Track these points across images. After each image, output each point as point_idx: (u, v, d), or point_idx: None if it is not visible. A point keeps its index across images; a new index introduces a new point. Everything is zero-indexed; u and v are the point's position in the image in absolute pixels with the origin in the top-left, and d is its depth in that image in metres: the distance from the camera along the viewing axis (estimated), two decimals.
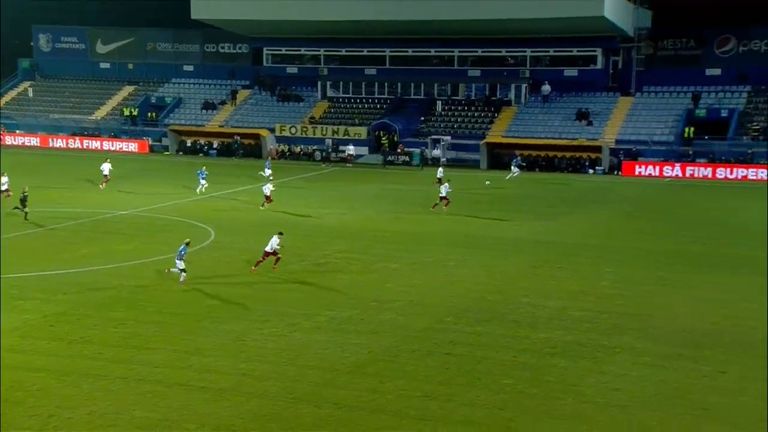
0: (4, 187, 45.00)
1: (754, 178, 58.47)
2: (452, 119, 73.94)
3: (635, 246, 37.49)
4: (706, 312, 27.00)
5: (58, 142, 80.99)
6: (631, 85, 71.30)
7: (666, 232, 40.72)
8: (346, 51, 78.52)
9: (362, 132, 73.05)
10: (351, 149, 71.36)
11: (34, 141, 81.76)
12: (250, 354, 22.47)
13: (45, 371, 20.88)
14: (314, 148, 73.10)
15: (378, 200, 50.81)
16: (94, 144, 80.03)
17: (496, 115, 72.83)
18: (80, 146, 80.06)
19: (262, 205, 45.44)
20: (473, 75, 76.28)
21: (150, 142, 78.81)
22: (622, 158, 64.18)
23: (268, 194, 45.77)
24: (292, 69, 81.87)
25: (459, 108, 75.08)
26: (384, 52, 77.23)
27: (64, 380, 20.31)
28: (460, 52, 75.41)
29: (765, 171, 58.05)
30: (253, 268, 31.30)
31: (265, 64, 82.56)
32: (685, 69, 69.77)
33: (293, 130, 75.06)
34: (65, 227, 40.03)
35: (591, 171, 64.91)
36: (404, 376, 21.12)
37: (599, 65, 71.95)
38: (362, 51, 77.70)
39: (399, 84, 77.61)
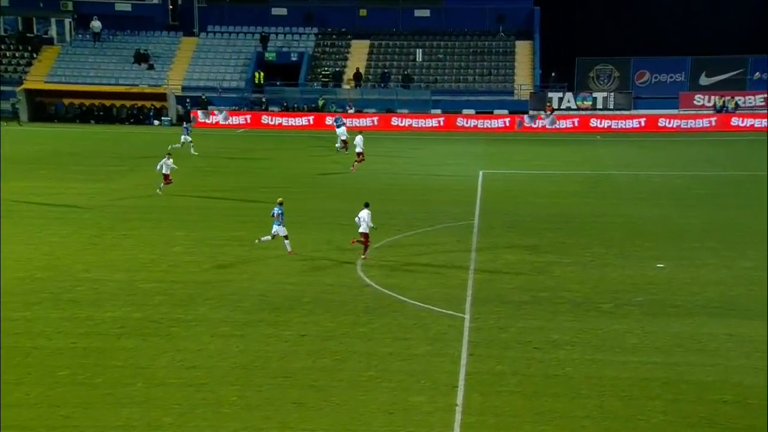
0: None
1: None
2: None
3: (209, 205, 38.45)
4: (291, 271, 28.60)
5: None
6: (194, 23, 71.82)
7: (242, 186, 42.18)
8: None
9: None
10: None
11: None
12: None
13: None
14: None
15: None
16: None
17: (34, 55, 68.99)
18: None
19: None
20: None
21: None
22: (189, 107, 64.58)
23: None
24: None
25: None
26: None
27: None
28: None
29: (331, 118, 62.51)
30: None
31: None
32: (251, 6, 71.65)
33: None
34: None
35: (156, 122, 64.70)
36: None
37: (156, 0, 71.64)
38: None
39: None
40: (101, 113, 65.37)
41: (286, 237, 29.85)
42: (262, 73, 66.56)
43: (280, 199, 30.73)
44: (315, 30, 70.46)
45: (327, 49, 69.66)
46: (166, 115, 64.70)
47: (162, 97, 65.31)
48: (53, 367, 20.92)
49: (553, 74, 66.17)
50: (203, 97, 64.95)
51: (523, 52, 67.33)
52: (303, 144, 52.22)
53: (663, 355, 21.86)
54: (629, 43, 65.68)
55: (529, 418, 18.62)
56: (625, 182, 43.39)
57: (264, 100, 65.34)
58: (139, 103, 65.44)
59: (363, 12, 70.84)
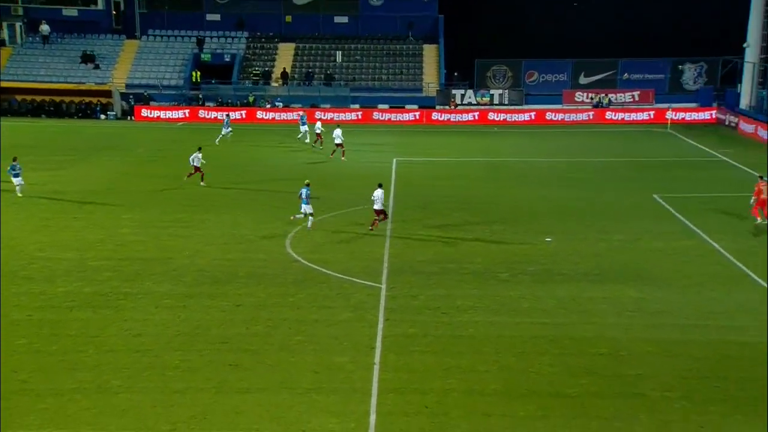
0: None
1: (263, 119, 61.93)
2: None
3: (154, 190, 37.81)
4: (228, 249, 28.38)
5: None
6: (135, 28, 70.52)
7: (184, 173, 41.51)
8: None
9: None
10: None
11: None
12: None
13: None
14: None
15: None
16: None
17: None
18: None
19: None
20: None
21: None
22: (133, 103, 63.49)
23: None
24: None
25: None
26: None
27: None
28: None
29: (273, 114, 62.01)
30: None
31: None
32: (187, 13, 70.81)
33: None
34: None
35: (103, 116, 63.24)
36: None
37: (100, 5, 70.05)
38: None
39: None
40: (51, 108, 63.60)
41: (311, 215, 30.42)
42: (198, 73, 65.83)
43: (307, 180, 30.93)
44: (246, 34, 69.86)
45: (257, 51, 69.03)
46: (112, 110, 63.44)
47: (107, 93, 64.01)
48: (11, 337, 20.54)
49: (455, 74, 66.64)
50: (145, 94, 63.98)
51: (430, 54, 67.61)
52: (237, 136, 51.59)
53: (550, 317, 22.41)
54: (521, 48, 66.43)
55: (438, 373, 18.92)
56: (518, 168, 44.07)
57: (201, 96, 64.58)
58: (87, 99, 63.91)
59: (288, 18, 70.60)
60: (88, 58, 66.37)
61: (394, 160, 44.75)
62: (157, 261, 27.07)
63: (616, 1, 70.06)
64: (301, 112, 55.35)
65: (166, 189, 38.09)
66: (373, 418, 16.92)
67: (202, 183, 38.44)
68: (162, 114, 62.37)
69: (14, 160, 36.23)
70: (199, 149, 39.25)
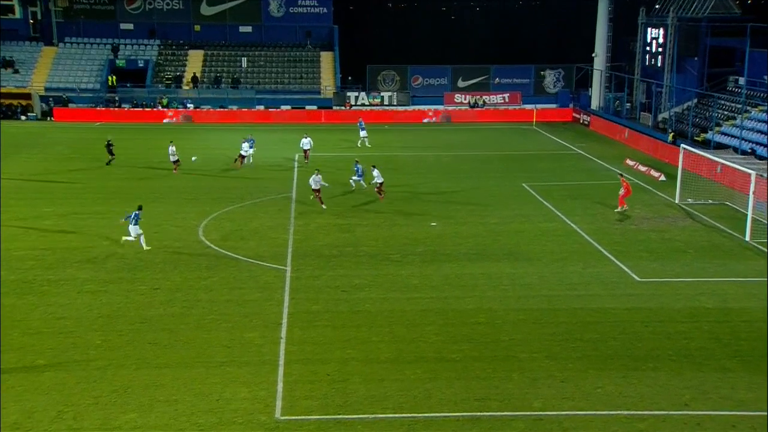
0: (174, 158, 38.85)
1: (171, 120, 60.29)
2: None
3: (77, 185, 36.39)
4: (145, 238, 27.51)
5: None
6: (53, 35, 67.63)
7: (101, 168, 40.13)
8: None
9: None
10: None
11: None
12: None
13: None
14: None
15: None
16: None
17: None
18: None
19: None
20: None
21: None
22: (53, 104, 60.88)
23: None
24: None
25: None
26: None
27: None
28: None
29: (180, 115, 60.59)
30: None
31: None
32: (103, 22, 68.36)
33: None
34: None
35: (23, 117, 60.34)
36: None
37: (18, 15, 66.85)
38: None
39: None
40: None
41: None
42: (114, 77, 63.72)
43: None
44: (158, 42, 67.92)
45: (168, 57, 67.20)
46: (32, 111, 60.71)
47: (27, 96, 61.19)
48: None
49: (350, 78, 66.58)
50: (64, 96, 61.40)
51: (327, 60, 67.22)
52: (150, 134, 50.09)
53: (437, 292, 22.75)
54: (407, 55, 67.09)
55: (339, 345, 18.96)
56: (407, 161, 44.38)
57: (117, 98, 62.53)
58: (7, 102, 60.89)
59: (197, 27, 69.07)
60: (7, 64, 63.38)
61: (296, 155, 44.31)
62: (78, 250, 26.10)
63: (488, 16, 72.00)
64: (360, 118, 53.01)
65: (84, 183, 36.70)
66: (280, 386, 16.82)
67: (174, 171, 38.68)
68: (81, 115, 59.83)
69: (140, 208, 26.92)
70: (171, 142, 39.60)
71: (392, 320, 20.50)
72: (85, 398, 16.15)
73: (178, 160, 39.23)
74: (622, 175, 34.38)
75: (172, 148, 39.22)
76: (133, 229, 26.16)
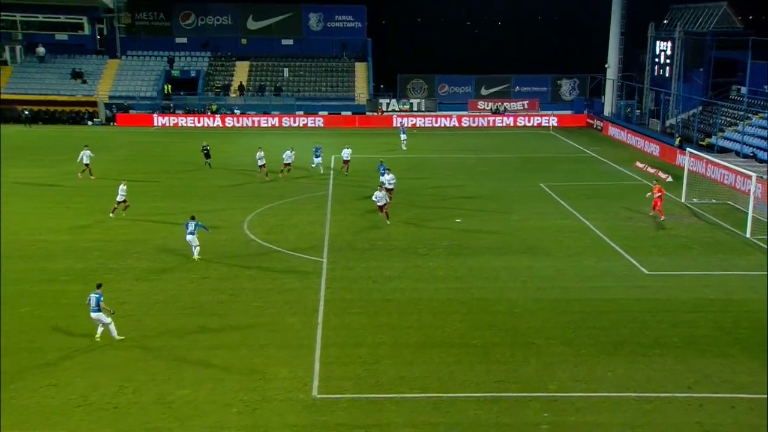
0: (261, 162, 37.57)
1: (211, 124, 60.82)
2: None
3: (136, 184, 36.66)
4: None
5: None
6: (116, 49, 68.58)
7: (162, 169, 40.53)
8: None
9: None
10: None
11: None
12: None
13: None
14: None
15: None
16: None
17: None
18: None
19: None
20: None
21: None
22: (115, 111, 61.75)
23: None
24: None
25: None
26: None
27: None
28: None
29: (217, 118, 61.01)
30: None
31: None
32: (160, 37, 69.15)
33: None
34: None
35: (90, 123, 61.28)
36: None
37: (87, 31, 67.80)
38: None
39: None
40: (47, 116, 61.36)
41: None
42: (169, 86, 64.47)
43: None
44: (209, 54, 68.55)
45: (218, 68, 67.74)
46: (97, 117, 61.65)
47: (93, 104, 62.12)
48: (19, 305, 20.00)
49: (381, 86, 66.61)
50: (125, 104, 62.25)
51: (361, 70, 67.20)
52: (200, 139, 50.42)
53: (461, 282, 22.64)
54: (434, 65, 66.78)
55: (371, 330, 18.96)
56: (435, 163, 44.22)
57: (172, 105, 63.22)
58: (76, 109, 61.92)
59: (244, 41, 69.56)
60: (77, 75, 64.45)
61: (333, 156, 44.30)
62: (137, 242, 26.41)
63: (509, 30, 71.25)
64: (402, 122, 52.36)
65: (144, 181, 37.13)
66: (317, 367, 16.86)
67: (266, 178, 37.02)
68: (141, 120, 60.59)
69: (192, 218, 24.86)
70: (260, 148, 38.67)
71: (420, 308, 20.44)
72: (144, 375, 16.36)
73: (264, 165, 37.38)
74: (657, 181, 33.09)
75: (260, 153, 37.69)
76: (192, 239, 24.31)
